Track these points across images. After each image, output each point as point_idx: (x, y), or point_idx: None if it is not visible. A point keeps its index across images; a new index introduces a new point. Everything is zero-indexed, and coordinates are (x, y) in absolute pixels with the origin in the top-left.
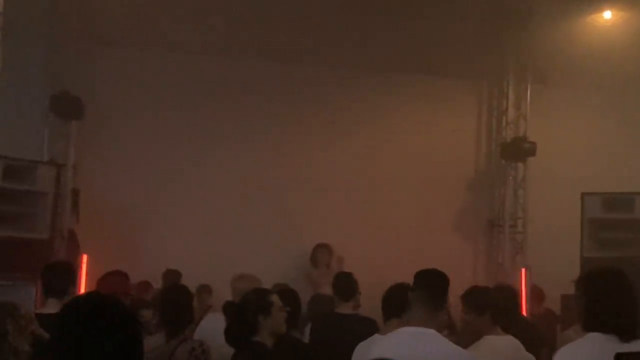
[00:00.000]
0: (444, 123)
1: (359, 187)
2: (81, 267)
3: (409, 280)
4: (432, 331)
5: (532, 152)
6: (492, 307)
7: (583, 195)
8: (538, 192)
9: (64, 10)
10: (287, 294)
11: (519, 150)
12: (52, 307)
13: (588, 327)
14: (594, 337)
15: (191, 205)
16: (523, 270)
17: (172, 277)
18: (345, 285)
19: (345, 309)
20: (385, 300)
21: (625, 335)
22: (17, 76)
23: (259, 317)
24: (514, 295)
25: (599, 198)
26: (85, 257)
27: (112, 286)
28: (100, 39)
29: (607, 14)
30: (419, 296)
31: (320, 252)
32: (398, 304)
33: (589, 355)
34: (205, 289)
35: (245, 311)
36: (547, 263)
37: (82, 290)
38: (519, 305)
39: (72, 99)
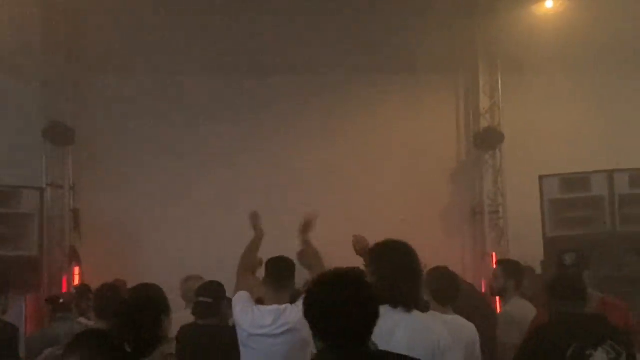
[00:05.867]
0: (425, 118)
1: (345, 183)
2: (73, 278)
3: None
4: (284, 305)
5: (500, 140)
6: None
7: (541, 177)
8: (516, 179)
9: (54, 42)
10: (210, 285)
11: (489, 139)
12: None
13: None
14: (385, 309)
15: (185, 219)
16: (493, 254)
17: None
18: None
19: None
20: None
21: (408, 307)
22: (12, 108)
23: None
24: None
25: (557, 179)
26: (78, 269)
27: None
28: (90, 66)
29: (549, 3)
30: (267, 280)
31: None
32: None
33: (380, 326)
34: None
35: None
36: (522, 246)
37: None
38: None
39: (62, 127)
